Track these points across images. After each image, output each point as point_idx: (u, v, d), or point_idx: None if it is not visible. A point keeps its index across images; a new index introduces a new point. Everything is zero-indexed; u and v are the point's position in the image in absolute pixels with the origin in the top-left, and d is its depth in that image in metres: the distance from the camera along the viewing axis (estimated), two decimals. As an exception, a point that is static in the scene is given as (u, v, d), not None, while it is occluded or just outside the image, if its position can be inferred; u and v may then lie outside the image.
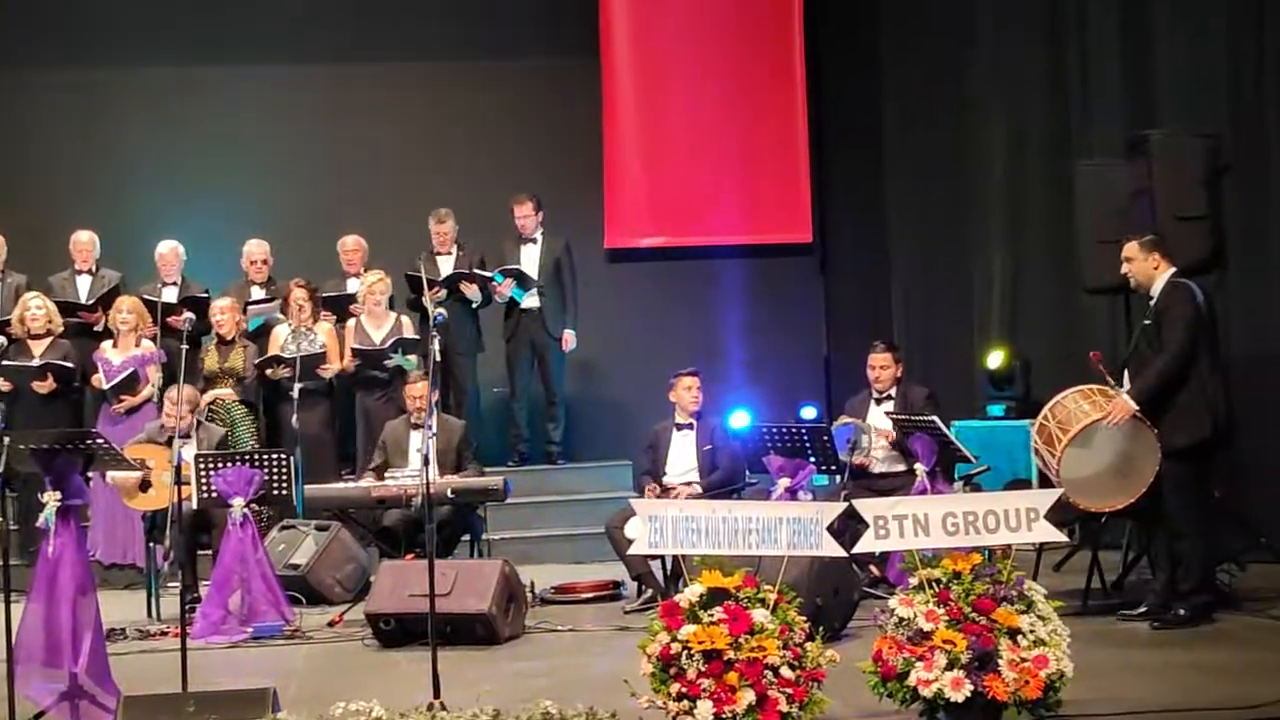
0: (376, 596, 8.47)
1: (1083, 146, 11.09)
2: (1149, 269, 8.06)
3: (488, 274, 11.82)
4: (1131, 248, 8.11)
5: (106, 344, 11.15)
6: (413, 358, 10.88)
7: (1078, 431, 7.83)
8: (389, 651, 8.28)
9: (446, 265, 11.96)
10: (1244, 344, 9.99)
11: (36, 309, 11.06)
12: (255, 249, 11.98)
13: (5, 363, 10.85)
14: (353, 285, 11.80)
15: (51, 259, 12.01)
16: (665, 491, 9.49)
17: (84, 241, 11.83)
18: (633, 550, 6.66)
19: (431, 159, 13.46)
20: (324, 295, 11.65)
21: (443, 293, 11.53)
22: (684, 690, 5.70)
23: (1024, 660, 5.75)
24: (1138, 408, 7.81)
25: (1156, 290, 8.02)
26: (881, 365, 9.71)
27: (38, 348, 11.02)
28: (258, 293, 11.85)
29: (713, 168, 13.64)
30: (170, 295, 11.56)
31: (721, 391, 12.00)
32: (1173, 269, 8.04)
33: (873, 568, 8.99)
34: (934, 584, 5.94)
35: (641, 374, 12.58)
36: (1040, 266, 11.82)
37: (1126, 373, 8.09)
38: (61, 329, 11.23)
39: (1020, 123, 12.04)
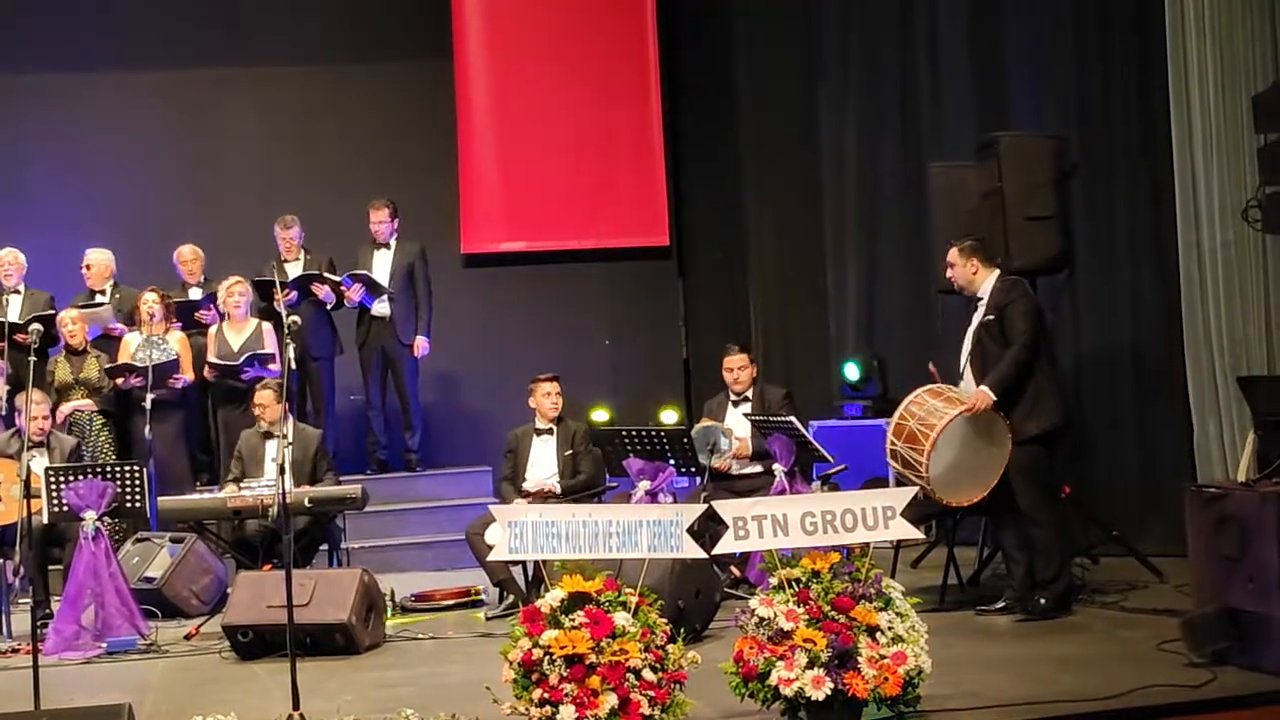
0: (234, 608, 8.35)
1: (934, 148, 11.26)
2: (968, 274, 8.30)
3: (337, 278, 11.72)
4: (953, 253, 8.36)
5: (-51, 356, 10.89)
6: None
7: (945, 425, 7.93)
8: (247, 664, 8.17)
9: (294, 271, 11.81)
10: (1090, 342, 10.22)
11: None
12: (88, 256, 11.76)
13: None
14: (195, 294, 11.67)
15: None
16: (525, 497, 9.47)
17: (-79, 251, 11.56)
18: (493, 556, 6.64)
19: (286, 164, 13.32)
20: (175, 301, 11.46)
21: (294, 294, 11.39)
22: (546, 696, 5.68)
23: (883, 657, 5.81)
24: (995, 398, 7.95)
25: (984, 291, 8.21)
26: (738, 366, 9.77)
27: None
28: (100, 300, 11.63)
29: (569, 171, 13.64)
30: (14, 303, 11.34)
31: (580, 395, 12.01)
32: (995, 270, 8.25)
33: (733, 568, 9.04)
34: (794, 583, 5.97)
35: (501, 379, 12.57)
36: (894, 267, 12.00)
37: (969, 372, 8.23)
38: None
39: (874, 124, 12.23)
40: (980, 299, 8.24)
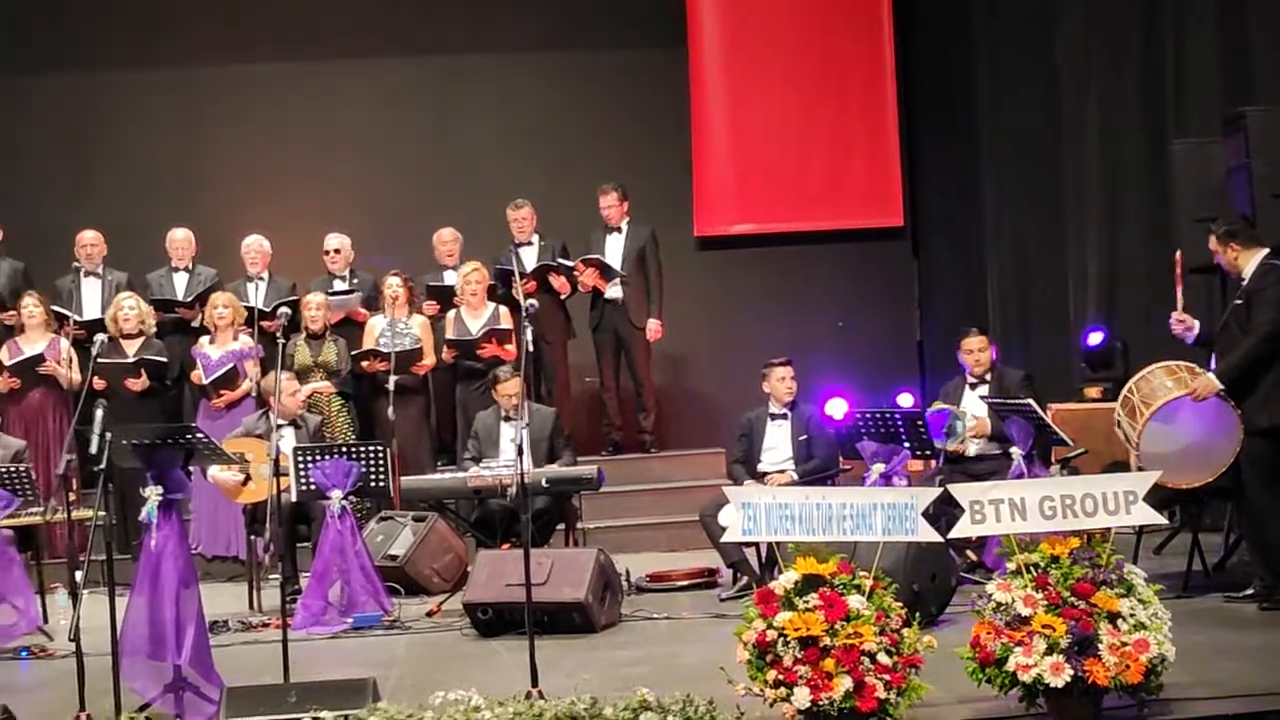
0: (474, 586, 8.52)
1: (1178, 125, 10.95)
2: (1230, 258, 8.02)
3: (570, 263, 11.85)
4: (1211, 241, 8.09)
5: (204, 339, 11.27)
6: None
7: (1160, 406, 7.76)
8: (487, 641, 8.34)
9: (529, 254, 11.96)
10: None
11: (129, 309, 11.20)
12: (330, 241, 12.05)
13: (100, 360, 10.98)
14: (450, 277, 11.86)
15: (149, 257, 12.17)
16: (760, 479, 9.48)
17: (180, 239, 11.98)
18: (727, 538, 6.67)
19: (520, 152, 13.50)
20: (429, 284, 11.73)
21: (534, 285, 11.56)
22: (781, 677, 5.70)
23: (1124, 644, 5.70)
24: (1222, 386, 7.73)
25: (1248, 273, 7.93)
26: (977, 348, 9.65)
27: (130, 347, 11.17)
28: (339, 285, 11.94)
29: (802, 152, 13.57)
30: (256, 290, 11.73)
31: (814, 379, 11.96)
32: (1263, 250, 7.95)
33: (969, 553, 8.94)
34: (1032, 568, 5.90)
35: (733, 361, 12.60)
36: (1137, 247, 11.69)
37: (1215, 352, 8.01)
38: (155, 329, 11.38)
39: (1115, 102, 11.91)
40: (1244, 280, 7.98)
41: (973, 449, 9.46)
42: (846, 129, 13.60)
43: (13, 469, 9.33)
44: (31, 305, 11.26)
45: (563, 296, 11.95)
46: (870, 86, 13.64)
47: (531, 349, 7.65)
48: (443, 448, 11.75)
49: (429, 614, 9.17)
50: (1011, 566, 5.96)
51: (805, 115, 13.57)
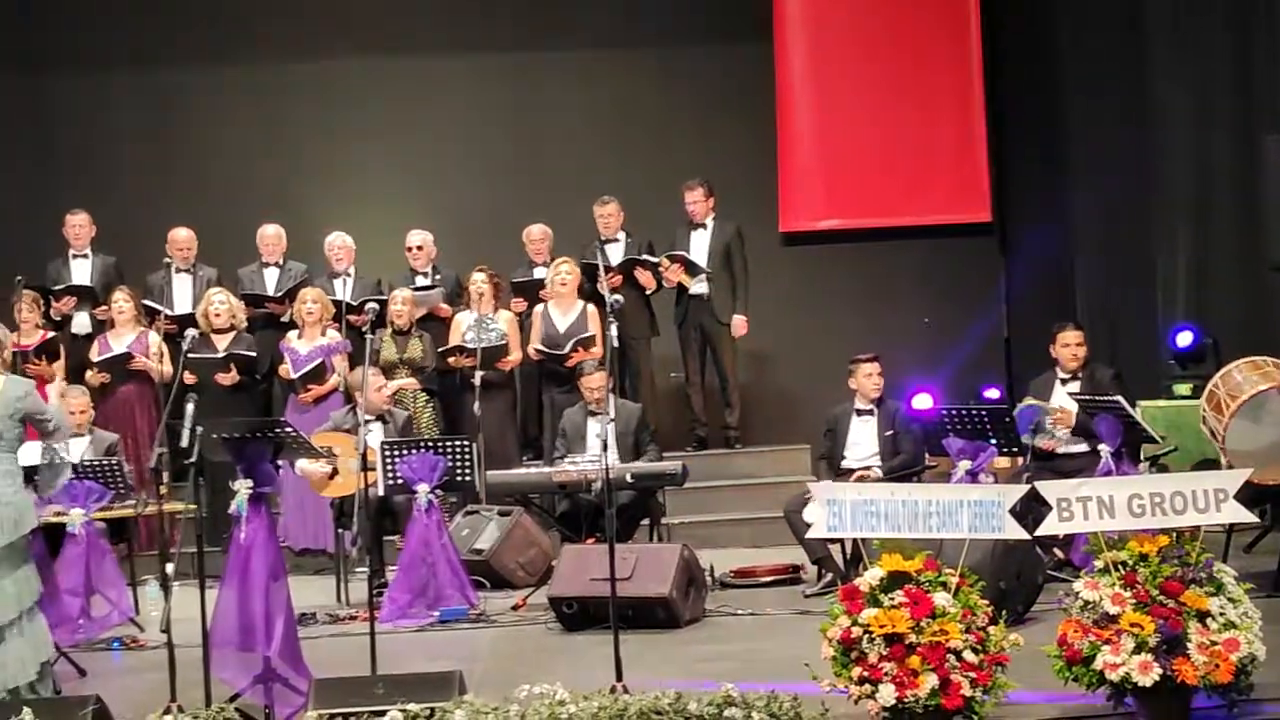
0: (559, 580, 8.56)
1: (1270, 119, 10.80)
2: None
3: (655, 259, 11.86)
4: None
5: (292, 334, 11.38)
6: None
7: (1245, 400, 7.67)
8: (571, 635, 8.38)
9: (615, 250, 11.99)
10: None
11: (220, 304, 11.33)
12: (413, 238, 12.11)
13: (191, 355, 11.08)
14: (539, 274, 11.88)
15: (240, 253, 12.31)
16: (845, 475, 9.45)
17: (270, 235, 12.11)
18: (811, 534, 6.66)
19: (604, 148, 13.52)
20: (515, 280, 11.79)
21: (619, 279, 11.58)
22: (866, 674, 5.69)
23: (1214, 643, 5.65)
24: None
25: None
26: (1074, 343, 9.57)
27: (221, 341, 11.30)
28: (420, 281, 12.01)
29: (888, 147, 13.48)
30: (343, 286, 11.83)
31: (900, 375, 11.90)
32: None
33: (1056, 550, 8.88)
34: (1120, 566, 5.85)
35: (819, 357, 12.54)
36: (1227, 242, 11.54)
37: None
38: (245, 324, 11.51)
39: (1205, 96, 11.76)
40: None
41: (1061, 437, 9.38)
42: (933, 123, 13.50)
43: (105, 462, 9.49)
44: (121, 300, 11.43)
45: (648, 292, 11.96)
46: (958, 81, 13.53)
47: (616, 345, 7.65)
48: (528, 443, 11.80)
49: (514, 608, 9.22)
50: (1099, 564, 5.92)
51: (892, 109, 13.47)
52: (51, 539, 8.63)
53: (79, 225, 12.07)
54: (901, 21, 13.52)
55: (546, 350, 11.27)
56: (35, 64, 13.38)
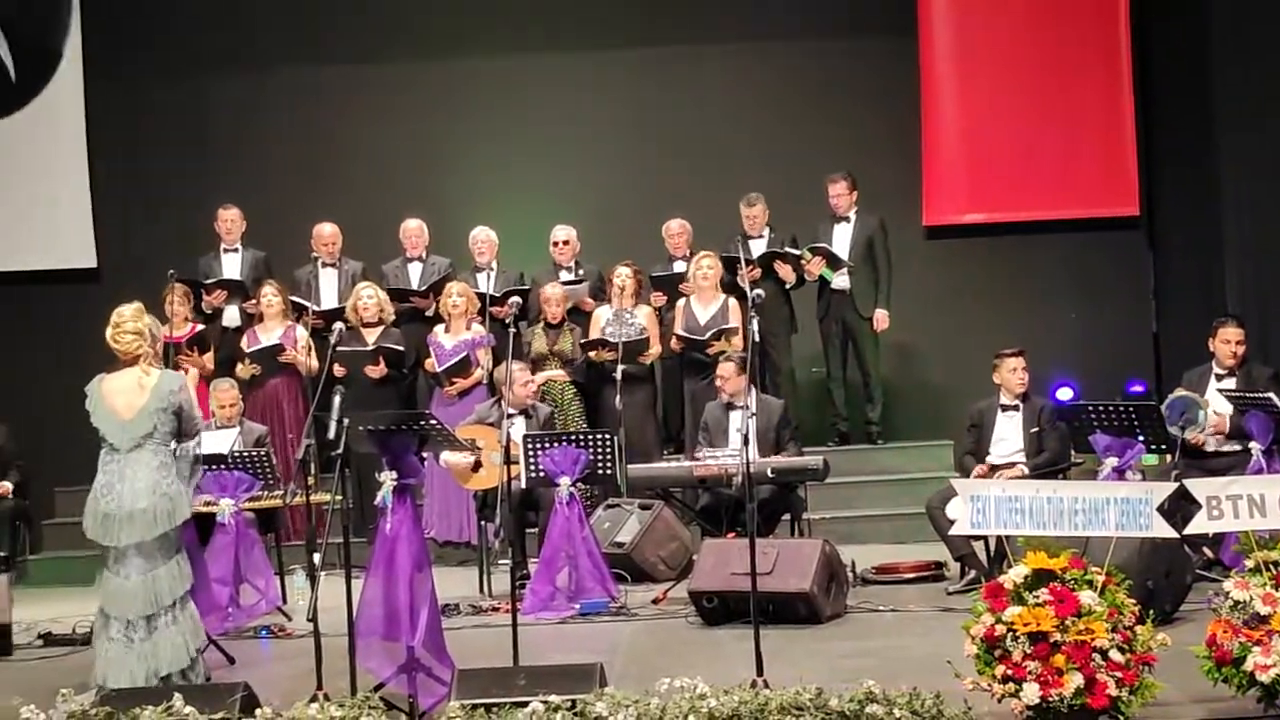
0: (699, 574, 8.57)
1: None
2: None
3: (797, 252, 11.82)
4: None
5: (439, 328, 11.51)
6: None
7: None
8: (712, 629, 8.38)
9: (758, 248, 11.96)
10: None
11: (368, 298, 11.50)
12: (559, 233, 12.17)
13: (340, 348, 11.23)
14: (679, 268, 11.91)
15: (384, 249, 12.48)
16: (990, 471, 9.36)
17: (414, 229, 12.26)
18: (954, 530, 6.61)
19: (746, 141, 13.51)
20: (654, 275, 11.83)
21: (758, 272, 11.56)
22: (1009, 672, 5.64)
23: (1371, 646, 5.53)
24: None
25: None
26: (1235, 339, 9.40)
27: (370, 335, 11.47)
28: (564, 276, 12.08)
29: (1033, 140, 13.32)
30: (486, 280, 11.94)
31: (1046, 370, 11.75)
32: None
33: (1206, 549, 8.72)
34: (1271, 566, 5.75)
35: (962, 352, 12.47)
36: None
37: None
38: (393, 318, 11.66)
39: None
40: None
41: (1211, 445, 9.21)
42: (1080, 115, 13.31)
43: (255, 453, 9.68)
44: (271, 294, 11.64)
45: (788, 286, 11.93)
46: (1105, 72, 13.33)
47: (758, 339, 7.63)
48: (669, 437, 11.83)
49: (654, 601, 9.25)
50: (1250, 564, 5.82)
51: (1037, 102, 13.32)
52: (202, 528, 8.83)
53: (231, 220, 12.33)
54: (1048, 12, 13.35)
55: (689, 336, 11.28)
56: (194, 64, 13.69)
